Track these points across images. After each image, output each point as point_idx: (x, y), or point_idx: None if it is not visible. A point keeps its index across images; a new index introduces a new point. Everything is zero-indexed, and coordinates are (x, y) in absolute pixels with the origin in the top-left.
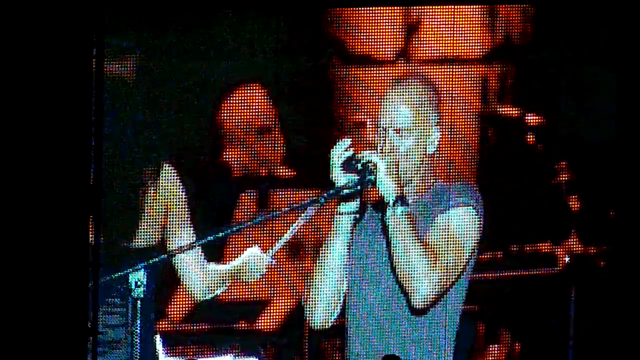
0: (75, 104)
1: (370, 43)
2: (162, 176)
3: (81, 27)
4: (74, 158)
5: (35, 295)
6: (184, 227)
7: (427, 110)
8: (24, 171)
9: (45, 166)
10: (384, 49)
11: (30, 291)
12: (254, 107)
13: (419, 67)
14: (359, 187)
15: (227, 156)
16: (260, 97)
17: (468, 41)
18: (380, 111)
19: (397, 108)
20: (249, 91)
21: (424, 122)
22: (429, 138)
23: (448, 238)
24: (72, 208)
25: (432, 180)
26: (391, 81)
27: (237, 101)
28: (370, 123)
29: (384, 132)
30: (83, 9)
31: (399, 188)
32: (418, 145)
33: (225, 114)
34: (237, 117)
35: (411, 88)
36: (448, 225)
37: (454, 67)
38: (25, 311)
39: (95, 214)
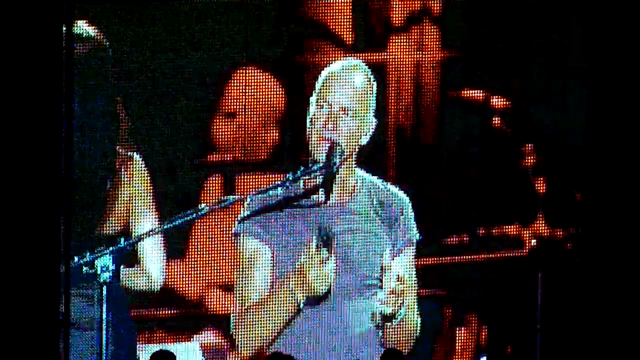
0: (45, 97)
1: (338, 30)
2: (128, 164)
3: (50, 19)
4: (44, 150)
5: (7, 287)
6: (148, 214)
7: (368, 96)
8: None
9: (16, 158)
10: (350, 36)
11: (1, 283)
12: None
13: (379, 54)
14: (325, 169)
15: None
16: (231, 82)
17: (434, 28)
18: (328, 86)
19: (344, 86)
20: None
21: (364, 107)
22: (365, 126)
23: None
24: (44, 199)
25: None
26: (339, 61)
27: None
28: (317, 98)
29: (330, 107)
30: (52, 0)
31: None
32: (358, 130)
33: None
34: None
35: (357, 71)
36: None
37: (421, 54)
38: None
39: (66, 205)
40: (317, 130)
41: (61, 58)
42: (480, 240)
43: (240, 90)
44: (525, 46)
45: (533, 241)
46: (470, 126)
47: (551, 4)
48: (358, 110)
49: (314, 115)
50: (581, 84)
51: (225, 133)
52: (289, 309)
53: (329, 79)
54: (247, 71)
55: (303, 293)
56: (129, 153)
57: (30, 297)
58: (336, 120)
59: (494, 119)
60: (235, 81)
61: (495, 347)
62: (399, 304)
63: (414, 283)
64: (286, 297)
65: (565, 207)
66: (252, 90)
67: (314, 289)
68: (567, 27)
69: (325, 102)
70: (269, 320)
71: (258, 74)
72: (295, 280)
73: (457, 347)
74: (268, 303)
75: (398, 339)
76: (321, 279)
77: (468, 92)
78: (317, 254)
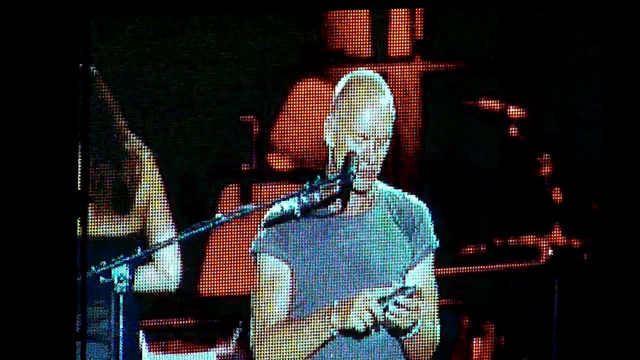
0: (62, 110)
1: (350, 42)
2: (144, 169)
3: (67, 33)
4: (61, 163)
5: (23, 299)
6: (165, 220)
7: (392, 115)
8: (12, 177)
9: (32, 171)
10: (364, 48)
11: (17, 295)
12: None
13: (394, 65)
14: (341, 179)
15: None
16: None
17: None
18: (361, 117)
19: (376, 114)
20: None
21: (391, 127)
22: (389, 139)
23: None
24: (60, 213)
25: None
26: (366, 87)
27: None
28: (349, 129)
29: (366, 140)
30: (69, 14)
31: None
32: (385, 149)
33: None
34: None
35: (382, 92)
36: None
37: (437, 63)
38: (12, 316)
39: (82, 219)
40: (358, 161)
41: (77, 72)
42: (496, 250)
43: (304, 100)
44: (540, 55)
45: (549, 251)
46: (486, 135)
47: (565, 10)
48: (389, 134)
49: (348, 145)
50: (598, 93)
51: (285, 140)
52: (322, 338)
53: (354, 105)
54: (309, 82)
55: (343, 328)
56: (143, 154)
57: (46, 310)
58: (376, 151)
59: (510, 128)
60: (300, 89)
61: (511, 357)
62: (411, 320)
63: (434, 291)
64: (322, 326)
65: (582, 217)
66: (315, 101)
67: (354, 329)
68: (582, 35)
69: (361, 135)
70: (299, 343)
71: (320, 86)
72: (339, 315)
73: (474, 357)
74: (300, 327)
75: (416, 350)
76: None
77: (484, 101)
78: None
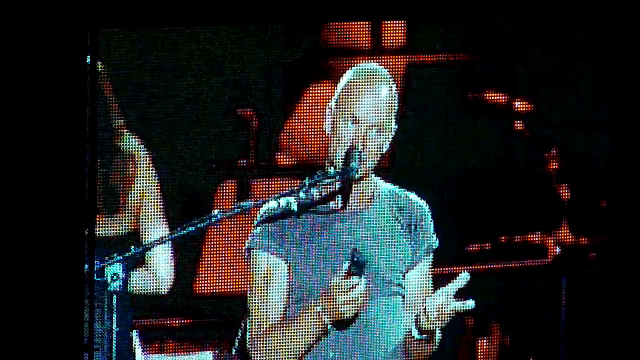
0: (70, 122)
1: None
2: (137, 164)
3: (75, 46)
4: (68, 175)
5: (31, 310)
6: (159, 220)
7: (392, 108)
8: (19, 189)
9: (40, 184)
10: (362, 40)
11: (25, 307)
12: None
13: (394, 58)
14: (342, 175)
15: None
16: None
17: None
18: (353, 99)
19: (370, 100)
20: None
21: (389, 120)
22: (389, 135)
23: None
24: (67, 225)
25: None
26: (359, 69)
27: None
28: (342, 110)
29: (357, 124)
30: (76, 28)
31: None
32: (384, 143)
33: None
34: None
35: (381, 81)
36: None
37: (440, 56)
38: (20, 327)
39: (90, 231)
40: (344, 145)
41: (85, 82)
42: (502, 248)
43: (305, 96)
44: (546, 49)
45: (557, 249)
46: (493, 130)
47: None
48: (385, 124)
49: (340, 129)
50: (606, 89)
51: (295, 138)
52: (315, 331)
53: (352, 91)
54: (309, 78)
55: (331, 317)
56: (139, 153)
57: (53, 321)
58: (365, 139)
59: (516, 122)
60: (299, 85)
61: (517, 357)
62: (439, 323)
63: (431, 292)
64: (313, 319)
65: (590, 215)
66: (315, 97)
67: (342, 313)
68: (590, 31)
69: (352, 117)
70: (294, 341)
71: (320, 82)
72: (322, 304)
73: (479, 357)
74: (293, 324)
75: (418, 353)
76: (350, 305)
77: (490, 94)
78: (347, 280)
